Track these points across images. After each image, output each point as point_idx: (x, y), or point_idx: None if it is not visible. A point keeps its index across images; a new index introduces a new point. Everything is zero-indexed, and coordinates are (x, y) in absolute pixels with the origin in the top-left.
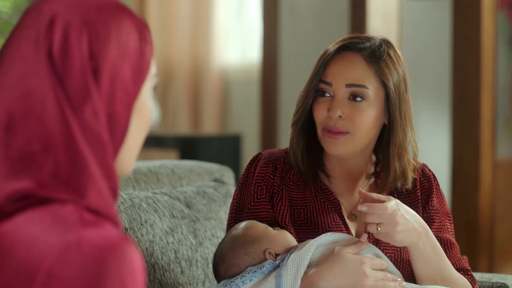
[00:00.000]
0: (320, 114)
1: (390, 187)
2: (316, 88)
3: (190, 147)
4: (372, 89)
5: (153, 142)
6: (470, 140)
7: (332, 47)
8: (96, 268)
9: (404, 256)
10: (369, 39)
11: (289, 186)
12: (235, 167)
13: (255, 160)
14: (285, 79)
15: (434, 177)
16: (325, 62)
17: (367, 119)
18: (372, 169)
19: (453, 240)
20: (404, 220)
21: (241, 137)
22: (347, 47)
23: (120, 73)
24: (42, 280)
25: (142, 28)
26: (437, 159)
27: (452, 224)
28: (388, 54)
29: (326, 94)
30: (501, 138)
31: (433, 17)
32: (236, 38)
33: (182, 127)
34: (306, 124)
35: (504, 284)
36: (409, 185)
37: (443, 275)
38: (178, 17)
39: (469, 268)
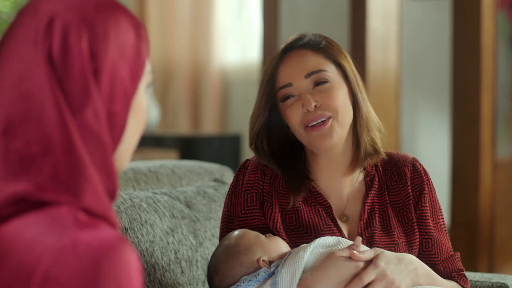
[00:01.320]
0: (295, 115)
1: (363, 163)
2: (268, 101)
3: (190, 147)
4: (330, 71)
5: (153, 142)
6: (470, 140)
7: (274, 56)
8: (92, 269)
9: None
10: (303, 35)
11: (279, 192)
12: (235, 167)
13: (243, 167)
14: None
15: (425, 171)
16: (273, 70)
17: (339, 97)
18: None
19: (444, 239)
20: (397, 274)
21: (241, 137)
22: (289, 48)
23: (119, 73)
24: (39, 282)
25: (138, 26)
26: (437, 159)
27: (443, 218)
28: (326, 40)
29: (290, 97)
30: (501, 138)
31: (433, 17)
32: (236, 38)
33: (182, 127)
34: (267, 139)
35: (504, 284)
36: (383, 155)
37: None
38: (178, 17)
39: (462, 267)
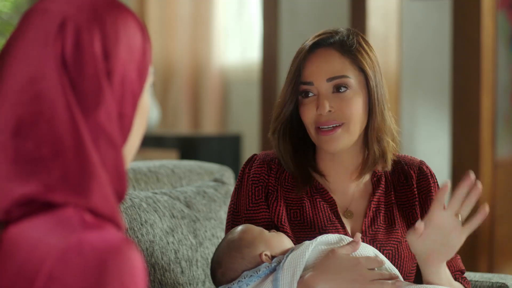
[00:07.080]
0: (309, 114)
1: (370, 169)
2: (295, 92)
3: (190, 147)
4: (353, 77)
5: (153, 142)
6: (470, 140)
7: (303, 48)
8: (97, 270)
9: (402, 253)
10: (336, 32)
11: (285, 187)
12: (235, 167)
13: (250, 161)
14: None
15: (432, 174)
16: (300, 64)
17: (355, 107)
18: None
19: None
20: None
21: (241, 137)
22: (318, 45)
23: (129, 73)
24: (43, 283)
25: (142, 27)
26: (437, 159)
27: None
28: (358, 42)
29: (309, 94)
30: (501, 138)
31: (433, 17)
32: (236, 38)
33: (182, 127)
34: (289, 129)
35: (504, 284)
36: (389, 167)
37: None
38: (178, 17)
39: (464, 268)
